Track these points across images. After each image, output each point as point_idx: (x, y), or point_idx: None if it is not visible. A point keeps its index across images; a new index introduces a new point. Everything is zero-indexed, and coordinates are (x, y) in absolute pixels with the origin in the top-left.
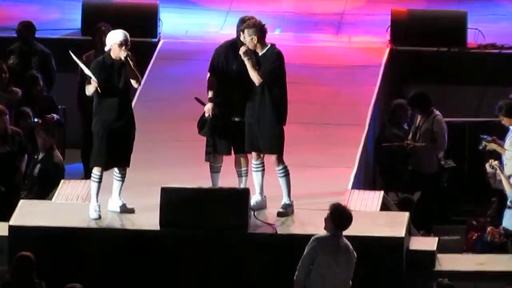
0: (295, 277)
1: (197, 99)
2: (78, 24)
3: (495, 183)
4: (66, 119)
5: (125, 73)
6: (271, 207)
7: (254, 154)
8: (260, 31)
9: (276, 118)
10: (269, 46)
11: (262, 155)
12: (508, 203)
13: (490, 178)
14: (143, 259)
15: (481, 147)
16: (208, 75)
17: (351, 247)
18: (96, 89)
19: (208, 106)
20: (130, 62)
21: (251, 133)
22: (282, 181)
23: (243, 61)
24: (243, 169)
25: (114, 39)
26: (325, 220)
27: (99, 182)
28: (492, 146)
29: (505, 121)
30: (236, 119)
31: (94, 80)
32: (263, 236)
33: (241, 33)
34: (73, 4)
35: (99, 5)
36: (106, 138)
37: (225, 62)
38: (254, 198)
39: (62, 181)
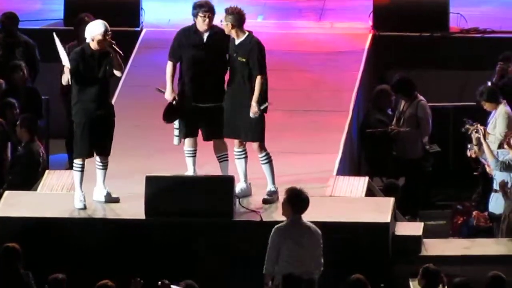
0: (264, 270)
1: (158, 89)
2: (60, 14)
3: (479, 151)
4: (50, 110)
5: (105, 63)
6: (256, 194)
7: (236, 141)
8: (238, 19)
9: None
10: (247, 34)
11: (244, 143)
12: (494, 186)
13: (469, 150)
14: (129, 249)
15: (463, 130)
16: (170, 63)
17: (313, 227)
18: (71, 76)
19: (168, 95)
20: (116, 51)
21: (231, 120)
22: (265, 168)
23: (208, 45)
24: (223, 153)
25: (96, 31)
26: (282, 205)
27: (82, 171)
28: (473, 131)
29: (486, 106)
30: (208, 104)
31: (68, 67)
32: (248, 223)
33: (195, 17)
34: None
35: None
36: (88, 127)
37: (189, 47)
38: (239, 186)
39: (46, 171)
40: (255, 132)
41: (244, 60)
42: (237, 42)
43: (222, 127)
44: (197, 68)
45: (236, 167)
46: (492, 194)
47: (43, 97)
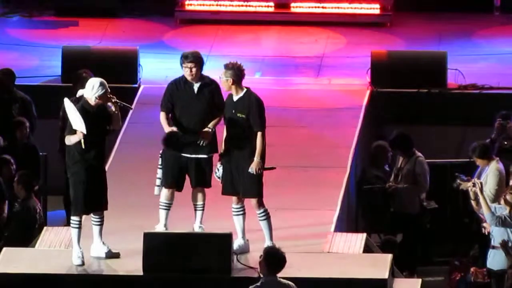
0: None
1: (123, 105)
2: (58, 70)
3: (477, 205)
4: (48, 166)
5: (103, 118)
6: (254, 250)
7: (234, 198)
8: (238, 74)
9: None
10: (245, 90)
11: (242, 199)
12: (492, 242)
13: (472, 201)
14: None
15: (455, 185)
16: (162, 113)
17: (291, 285)
18: (80, 141)
19: (167, 130)
20: (117, 106)
21: (230, 177)
22: (263, 224)
23: (199, 96)
24: (199, 203)
25: (101, 89)
26: (260, 264)
27: (79, 228)
28: (466, 185)
29: (478, 162)
30: (198, 156)
31: (82, 132)
32: (246, 279)
33: (182, 66)
34: (53, 51)
35: (79, 52)
36: (88, 184)
37: (179, 98)
38: (237, 242)
39: (45, 228)
40: (253, 188)
41: (243, 116)
42: (235, 98)
43: (209, 176)
44: (187, 118)
45: (234, 224)
46: (490, 250)
47: (40, 153)
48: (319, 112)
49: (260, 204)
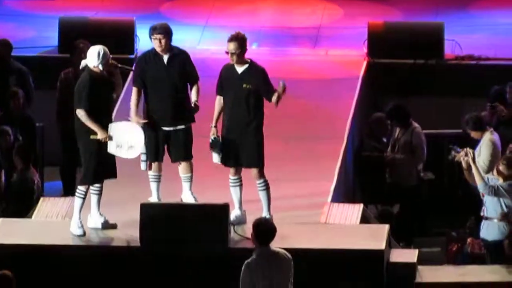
0: None
1: (124, 68)
2: (55, 41)
3: (469, 175)
4: (44, 137)
5: (109, 85)
6: (251, 221)
7: (232, 169)
8: (244, 46)
9: (257, 133)
10: (249, 61)
11: (240, 170)
12: (485, 213)
13: (465, 170)
14: (124, 276)
15: (450, 157)
16: (134, 88)
17: (282, 252)
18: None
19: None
20: (122, 69)
21: (231, 148)
22: (262, 195)
23: (169, 67)
24: (185, 175)
25: (106, 55)
26: (251, 236)
27: (84, 198)
28: (460, 156)
29: (473, 134)
30: (173, 128)
31: (104, 135)
32: (243, 250)
33: (151, 39)
34: (50, 22)
35: (75, 22)
36: (102, 153)
37: (149, 70)
38: (234, 213)
39: (41, 198)
40: (256, 158)
41: (250, 87)
42: (240, 70)
43: (188, 148)
44: (159, 91)
45: (231, 194)
46: (483, 221)
47: (37, 124)
48: (316, 83)
49: (261, 174)
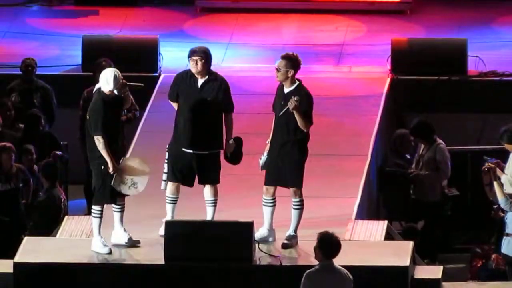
0: None
1: (133, 85)
2: (78, 60)
3: (490, 191)
4: (69, 154)
5: (119, 106)
6: (279, 238)
7: (266, 189)
8: (297, 66)
9: (299, 152)
10: (297, 83)
11: (275, 190)
12: (506, 229)
13: (486, 186)
14: None
15: (486, 168)
16: (172, 104)
17: (344, 272)
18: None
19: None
20: (132, 87)
21: (276, 168)
22: (295, 213)
23: (203, 91)
24: (209, 199)
25: (117, 79)
26: (314, 249)
27: (101, 217)
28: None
29: (507, 147)
30: (201, 152)
31: (114, 170)
32: (268, 268)
33: (189, 60)
34: (73, 40)
35: (99, 41)
36: (106, 178)
37: (184, 91)
38: (262, 231)
39: (66, 217)
40: (297, 177)
41: (291, 110)
42: (286, 90)
43: (217, 173)
44: (190, 114)
45: (263, 213)
46: (504, 237)
47: (61, 142)
48: (339, 100)
49: (299, 193)
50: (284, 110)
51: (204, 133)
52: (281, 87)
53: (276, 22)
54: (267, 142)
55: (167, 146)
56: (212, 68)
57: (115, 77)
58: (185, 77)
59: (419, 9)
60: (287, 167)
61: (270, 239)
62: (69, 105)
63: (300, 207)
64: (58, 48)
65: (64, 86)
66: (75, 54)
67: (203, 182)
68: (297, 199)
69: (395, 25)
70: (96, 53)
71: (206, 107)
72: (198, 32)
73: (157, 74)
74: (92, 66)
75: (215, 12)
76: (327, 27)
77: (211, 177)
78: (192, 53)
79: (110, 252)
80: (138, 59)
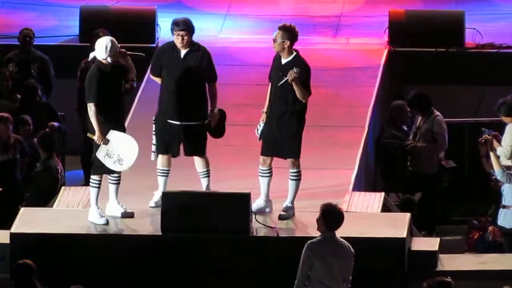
0: (295, 286)
1: (135, 55)
2: (76, 30)
3: (487, 163)
4: (66, 125)
5: (119, 76)
6: (276, 209)
7: (263, 159)
8: (294, 37)
9: (298, 123)
10: (295, 54)
11: (271, 161)
12: (502, 202)
13: (483, 157)
14: (145, 265)
15: (483, 140)
16: (155, 79)
17: (346, 244)
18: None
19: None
20: (133, 56)
21: (273, 138)
22: (292, 184)
23: (185, 63)
24: (201, 170)
25: (112, 47)
26: (317, 221)
27: (99, 187)
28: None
29: (504, 119)
30: (187, 123)
31: (100, 140)
32: (265, 239)
33: (173, 33)
34: (71, 11)
35: (96, 11)
36: (103, 146)
37: (166, 64)
38: (259, 202)
39: (62, 188)
40: (295, 148)
41: (289, 81)
42: (284, 61)
43: (203, 143)
44: (174, 85)
45: (260, 184)
46: (501, 209)
47: (58, 113)
48: (337, 72)
49: (296, 164)
50: (283, 82)
51: (189, 103)
52: (278, 58)
53: None
54: (262, 111)
55: (153, 119)
56: (210, 39)
57: (110, 45)
58: (167, 49)
59: None
60: (285, 137)
61: (267, 210)
62: (66, 75)
63: (298, 178)
64: (55, 18)
65: (62, 56)
66: (73, 25)
67: (189, 153)
68: (295, 170)
69: None
70: (94, 24)
71: (190, 77)
72: (196, 3)
73: (154, 45)
74: (90, 36)
75: None
76: None
77: (198, 148)
78: (176, 26)
79: (107, 223)
80: (136, 29)
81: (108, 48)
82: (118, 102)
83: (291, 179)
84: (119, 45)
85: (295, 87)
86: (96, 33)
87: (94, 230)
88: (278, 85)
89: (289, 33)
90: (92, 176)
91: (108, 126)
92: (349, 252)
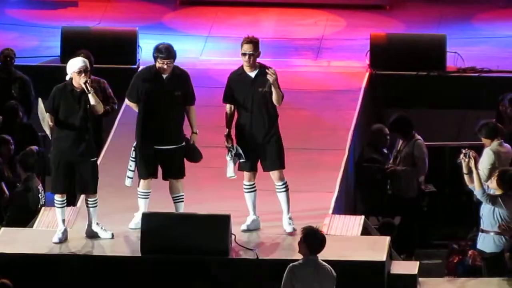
0: None
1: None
2: (57, 51)
3: (469, 178)
4: (46, 146)
5: (84, 100)
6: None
7: (247, 175)
8: (258, 48)
9: (277, 134)
10: (258, 64)
11: (254, 176)
12: (481, 225)
13: (466, 174)
14: (125, 285)
15: (458, 161)
16: (130, 104)
17: (328, 268)
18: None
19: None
20: (90, 89)
21: (254, 153)
22: (282, 197)
23: (165, 87)
24: (176, 194)
25: (73, 67)
26: (299, 244)
27: (63, 207)
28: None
29: (483, 141)
30: (168, 147)
31: (49, 117)
32: (244, 261)
33: (155, 59)
34: (52, 31)
35: (78, 32)
36: (62, 166)
37: (148, 89)
38: (249, 218)
39: (43, 208)
40: (279, 160)
41: (266, 90)
42: (253, 74)
43: (183, 166)
44: (157, 110)
45: (246, 201)
46: (479, 233)
47: (39, 134)
48: (318, 94)
49: (282, 176)
50: (264, 90)
51: (171, 127)
52: (239, 77)
53: (255, 16)
54: (225, 134)
55: (133, 146)
56: (191, 61)
57: (76, 63)
58: (148, 74)
59: (399, 4)
60: (273, 149)
61: (260, 226)
62: (47, 96)
63: (287, 188)
64: (37, 39)
65: (43, 77)
66: (54, 45)
67: (169, 176)
68: (282, 182)
69: (374, 20)
70: (76, 45)
71: (173, 101)
72: (177, 24)
73: (136, 66)
74: (71, 57)
75: (195, 5)
76: (306, 21)
77: (179, 171)
78: (159, 54)
79: (59, 242)
80: (117, 51)
81: (69, 65)
82: (81, 124)
83: (281, 192)
84: (84, 72)
85: (274, 90)
86: (78, 54)
87: (75, 250)
88: (256, 98)
89: (258, 44)
90: (54, 196)
91: (66, 145)
92: (331, 275)
